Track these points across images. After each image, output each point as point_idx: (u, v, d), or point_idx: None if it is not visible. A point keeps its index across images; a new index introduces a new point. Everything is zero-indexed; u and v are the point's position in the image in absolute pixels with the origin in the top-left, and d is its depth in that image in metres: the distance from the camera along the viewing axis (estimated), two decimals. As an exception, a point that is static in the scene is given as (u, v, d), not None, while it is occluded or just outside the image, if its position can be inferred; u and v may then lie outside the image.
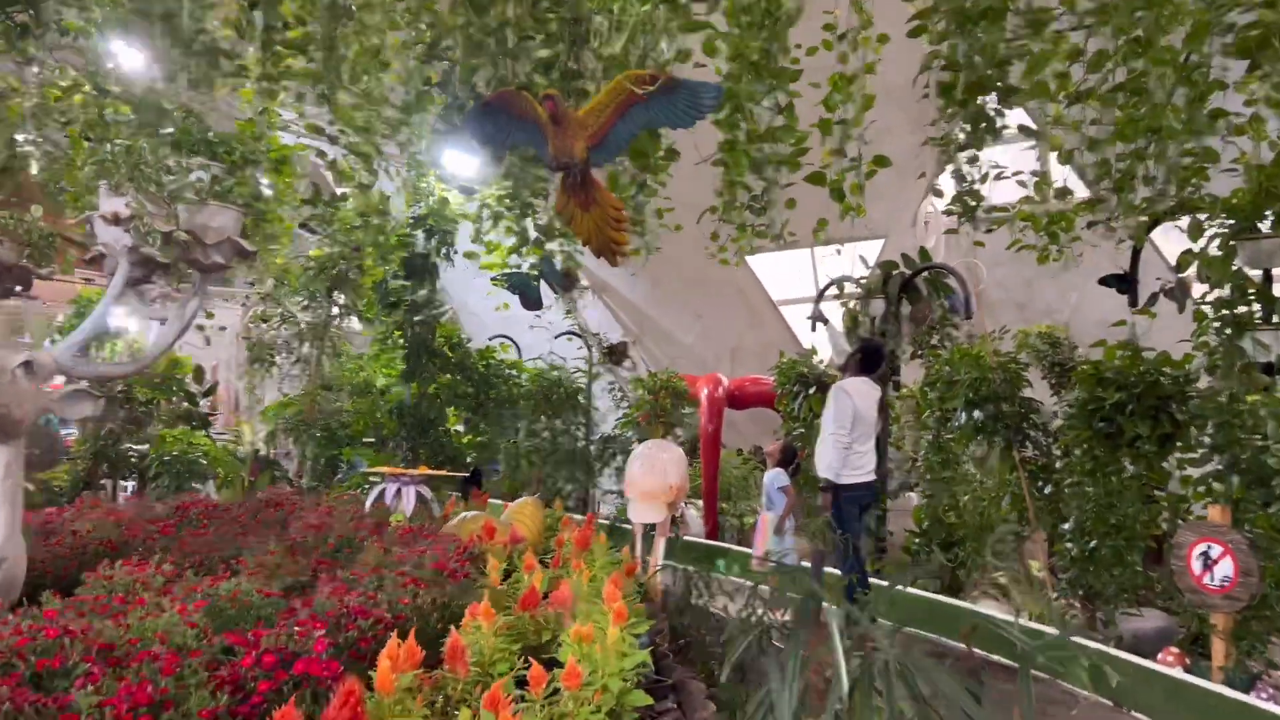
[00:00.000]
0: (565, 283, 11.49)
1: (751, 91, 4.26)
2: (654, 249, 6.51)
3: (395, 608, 3.38)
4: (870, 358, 6.59)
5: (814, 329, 10.18)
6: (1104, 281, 5.98)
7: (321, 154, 5.84)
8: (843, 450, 5.92)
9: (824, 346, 9.72)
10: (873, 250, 11.90)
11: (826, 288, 9.51)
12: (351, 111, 4.87)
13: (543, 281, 11.43)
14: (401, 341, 7.13)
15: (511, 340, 13.51)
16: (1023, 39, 4.48)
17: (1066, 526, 6.01)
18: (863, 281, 8.82)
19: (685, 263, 12.27)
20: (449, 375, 7.30)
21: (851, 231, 11.53)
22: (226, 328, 10.21)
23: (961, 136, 5.28)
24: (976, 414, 6.86)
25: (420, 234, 7.22)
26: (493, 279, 11.18)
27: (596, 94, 3.57)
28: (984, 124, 5.00)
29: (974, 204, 5.52)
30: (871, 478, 6.11)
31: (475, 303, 14.43)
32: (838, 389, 6.17)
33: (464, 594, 3.74)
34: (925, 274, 8.68)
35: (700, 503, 10.77)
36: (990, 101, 4.96)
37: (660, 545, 5.80)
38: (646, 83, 3.40)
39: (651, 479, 5.62)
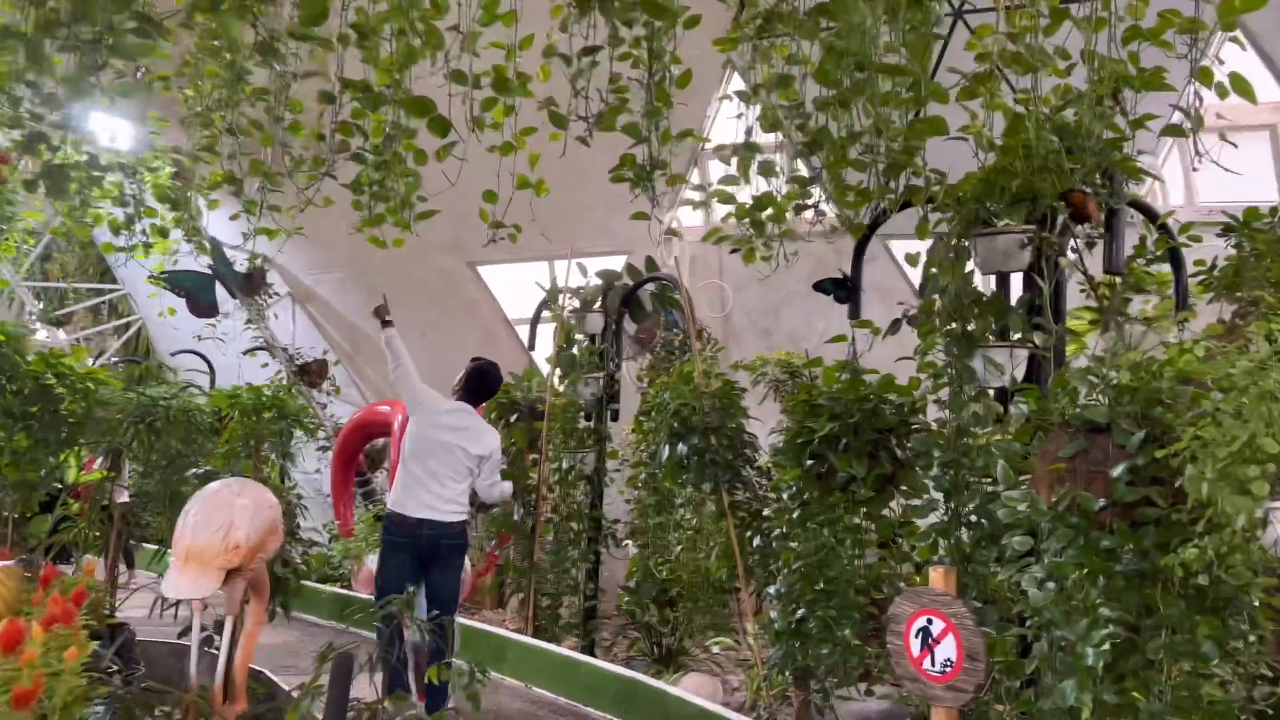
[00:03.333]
0: (247, 285, 9.62)
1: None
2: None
3: None
4: (470, 381, 5.50)
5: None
6: (819, 287, 4.90)
7: None
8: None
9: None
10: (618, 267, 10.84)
11: (543, 303, 8.21)
12: None
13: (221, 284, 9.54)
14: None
15: (202, 357, 11.43)
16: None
17: (772, 590, 4.83)
18: (580, 293, 7.55)
19: (405, 270, 10.70)
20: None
21: (594, 244, 10.30)
22: None
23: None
24: (681, 447, 5.64)
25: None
26: (151, 277, 9.16)
27: None
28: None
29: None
30: (434, 515, 5.10)
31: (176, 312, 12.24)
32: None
33: None
34: (651, 287, 7.51)
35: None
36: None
37: (241, 644, 4.17)
38: None
39: (205, 533, 3.95)
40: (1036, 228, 4.09)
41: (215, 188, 5.56)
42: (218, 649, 4.24)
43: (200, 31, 4.00)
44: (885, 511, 4.74)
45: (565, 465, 7.27)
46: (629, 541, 7.49)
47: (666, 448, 5.75)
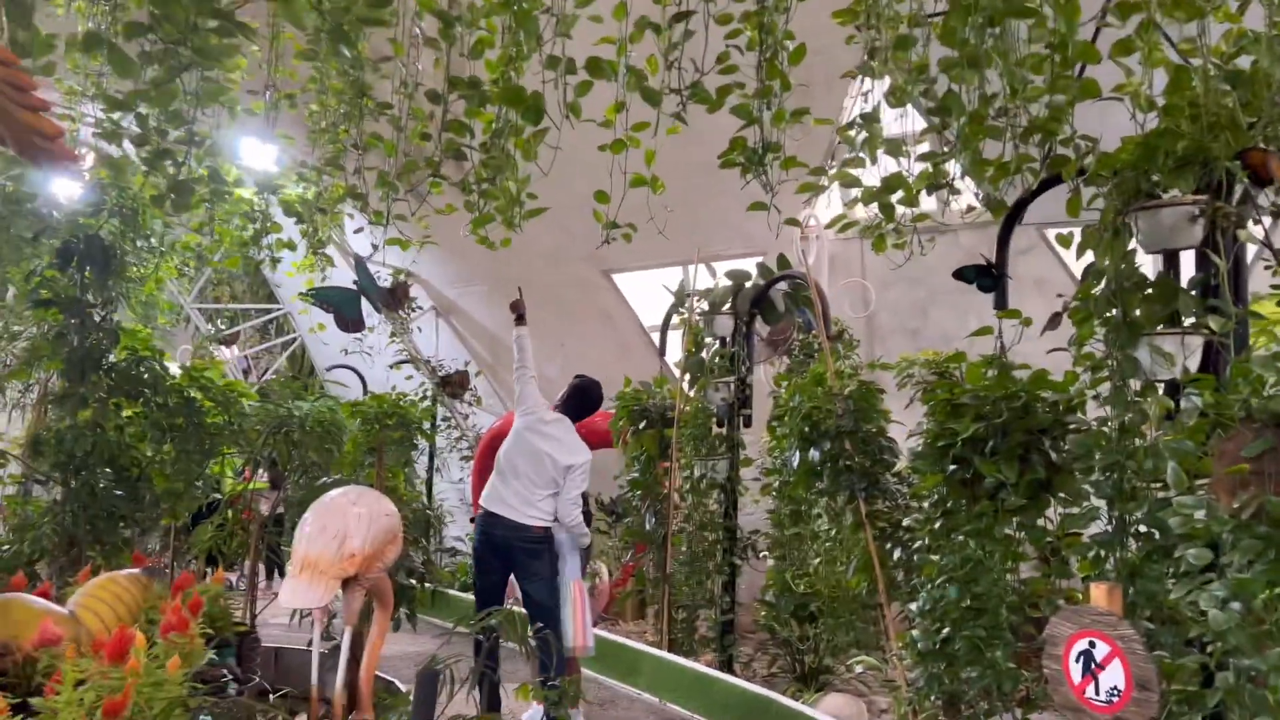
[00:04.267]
0: (390, 300, 9.85)
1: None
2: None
3: None
4: (572, 398, 5.68)
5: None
6: (959, 275, 4.48)
7: None
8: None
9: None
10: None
11: (673, 307, 8.01)
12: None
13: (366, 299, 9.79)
14: (59, 354, 5.38)
15: (354, 370, 11.81)
16: None
17: (914, 606, 4.43)
18: (708, 294, 7.30)
19: (543, 280, 10.74)
20: (138, 400, 5.53)
21: (728, 246, 10.03)
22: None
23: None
24: (813, 453, 5.29)
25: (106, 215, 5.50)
26: (300, 294, 9.51)
27: None
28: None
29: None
30: (512, 515, 5.21)
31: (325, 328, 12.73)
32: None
33: None
34: (784, 286, 7.18)
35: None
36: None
37: (365, 653, 4.13)
38: None
39: (320, 542, 3.93)
40: (1209, 197, 3.56)
41: (340, 201, 5.66)
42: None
43: (316, 46, 4.03)
44: (1040, 521, 4.26)
45: (697, 473, 7.02)
46: (766, 553, 7.17)
47: (797, 454, 5.42)
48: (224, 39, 2.85)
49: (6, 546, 5.23)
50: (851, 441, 5.25)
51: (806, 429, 5.36)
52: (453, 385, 10.28)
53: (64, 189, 6.28)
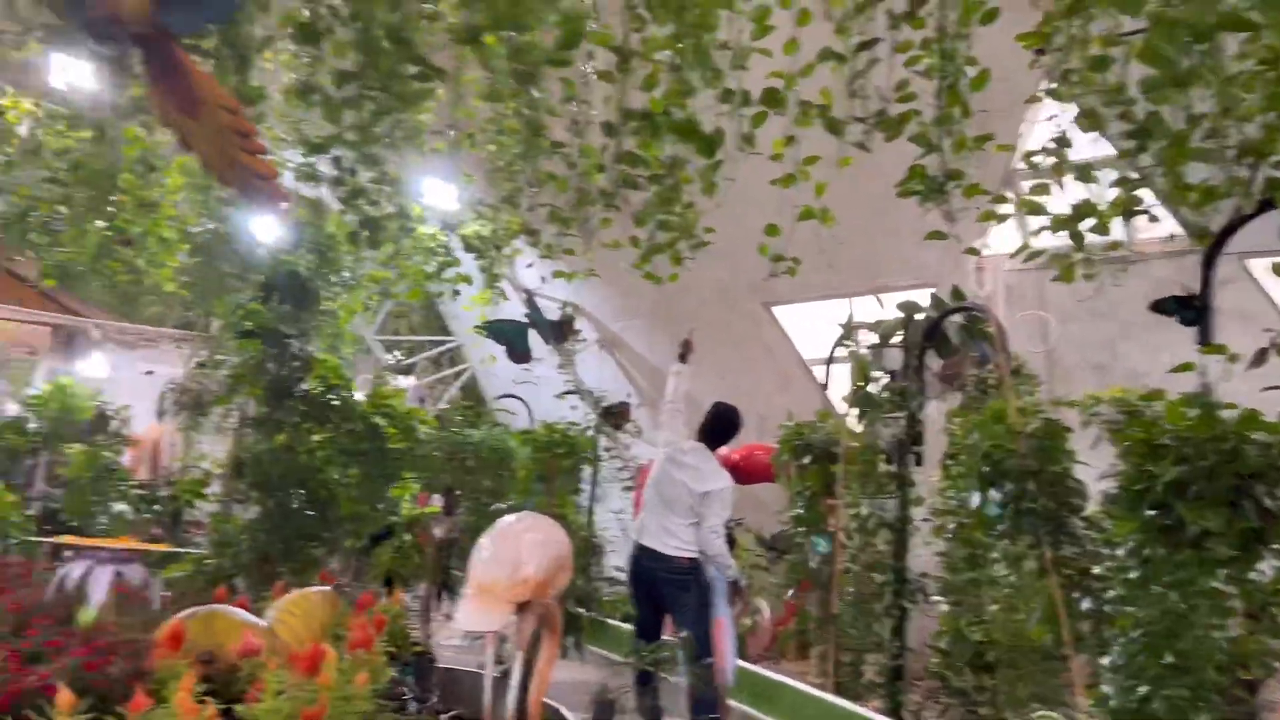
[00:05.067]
0: (558, 333, 10.10)
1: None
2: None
3: None
4: (708, 424, 5.65)
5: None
6: (1158, 307, 4.18)
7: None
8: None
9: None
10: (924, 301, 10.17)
11: (840, 339, 7.85)
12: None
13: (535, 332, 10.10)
14: (259, 381, 5.77)
15: (521, 400, 12.17)
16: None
17: (1106, 661, 4.12)
18: (876, 328, 7.12)
19: (705, 315, 10.78)
20: (326, 425, 5.86)
21: (896, 278, 9.81)
22: (154, 372, 9.18)
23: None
24: (993, 494, 5.04)
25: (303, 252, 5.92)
26: (475, 327, 9.90)
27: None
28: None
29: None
30: (655, 545, 5.28)
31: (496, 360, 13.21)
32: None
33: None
34: (958, 318, 6.92)
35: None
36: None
37: (534, 679, 4.19)
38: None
39: (495, 567, 4.02)
40: None
41: (515, 237, 5.87)
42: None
43: (480, 83, 4.20)
44: (1251, 574, 3.90)
45: (865, 511, 6.81)
46: (938, 597, 6.86)
47: (976, 495, 5.18)
48: (421, 84, 3.02)
49: (209, 561, 5.63)
50: (1036, 483, 4.97)
51: (985, 469, 5.11)
52: (615, 417, 10.38)
53: (264, 229, 6.79)
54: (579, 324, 11.04)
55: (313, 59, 3.06)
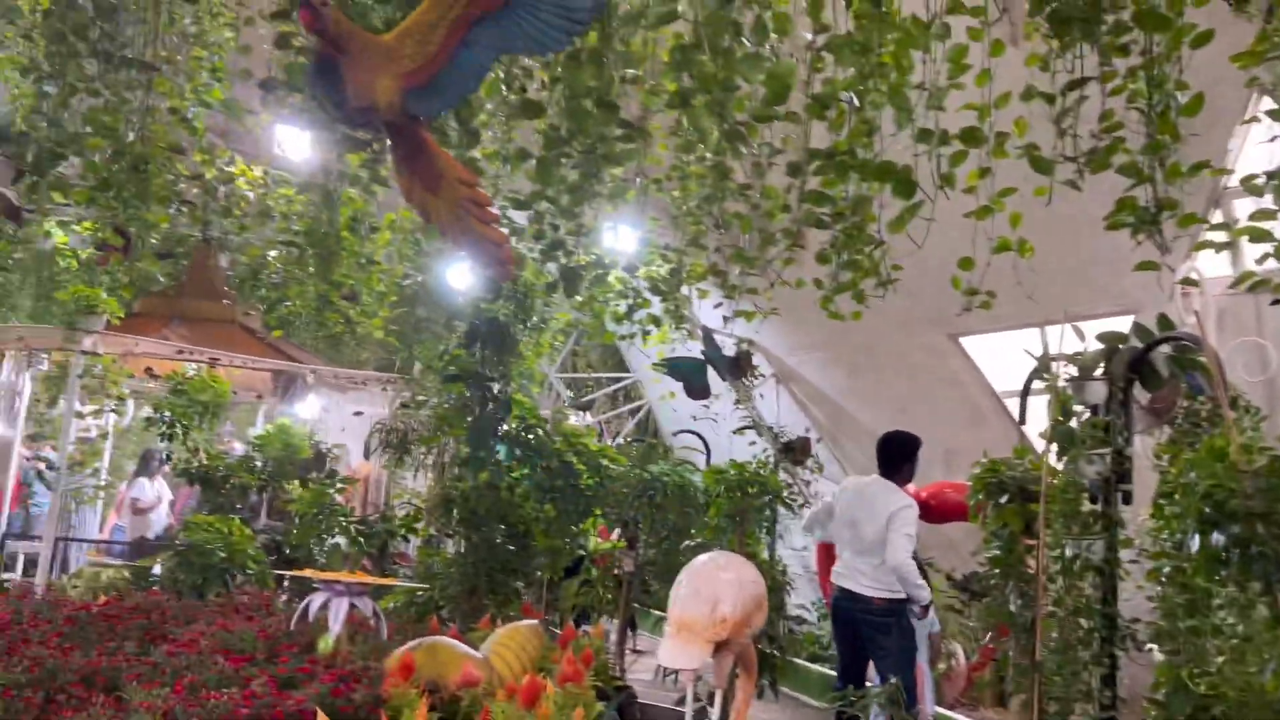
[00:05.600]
0: (735, 369, 10.16)
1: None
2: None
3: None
4: (885, 454, 5.81)
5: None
6: None
7: None
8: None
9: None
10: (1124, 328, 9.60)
11: (1035, 372, 7.54)
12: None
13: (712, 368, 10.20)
14: (462, 423, 6.11)
15: (699, 436, 12.29)
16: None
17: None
18: (1076, 359, 6.80)
19: (886, 346, 10.60)
20: (524, 462, 6.15)
21: (1092, 305, 9.40)
22: (362, 413, 9.82)
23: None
24: (1216, 536, 4.70)
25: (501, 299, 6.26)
26: (654, 365, 10.11)
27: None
28: None
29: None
30: (851, 585, 5.29)
31: (675, 396, 13.40)
32: None
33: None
34: (1166, 348, 6.53)
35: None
36: None
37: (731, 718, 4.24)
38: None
39: (694, 605, 4.10)
40: None
41: (701, 279, 5.99)
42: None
43: (682, 137, 4.35)
44: None
45: (1069, 553, 6.48)
46: (1153, 646, 6.43)
47: (1196, 537, 4.85)
48: (625, 144, 3.19)
49: (420, 594, 5.99)
50: (1265, 525, 4.61)
51: (1206, 509, 4.79)
52: (795, 452, 10.32)
53: (461, 278, 7.22)
54: (755, 359, 11.08)
55: (526, 126, 3.30)
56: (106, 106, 4.03)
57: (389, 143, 2.50)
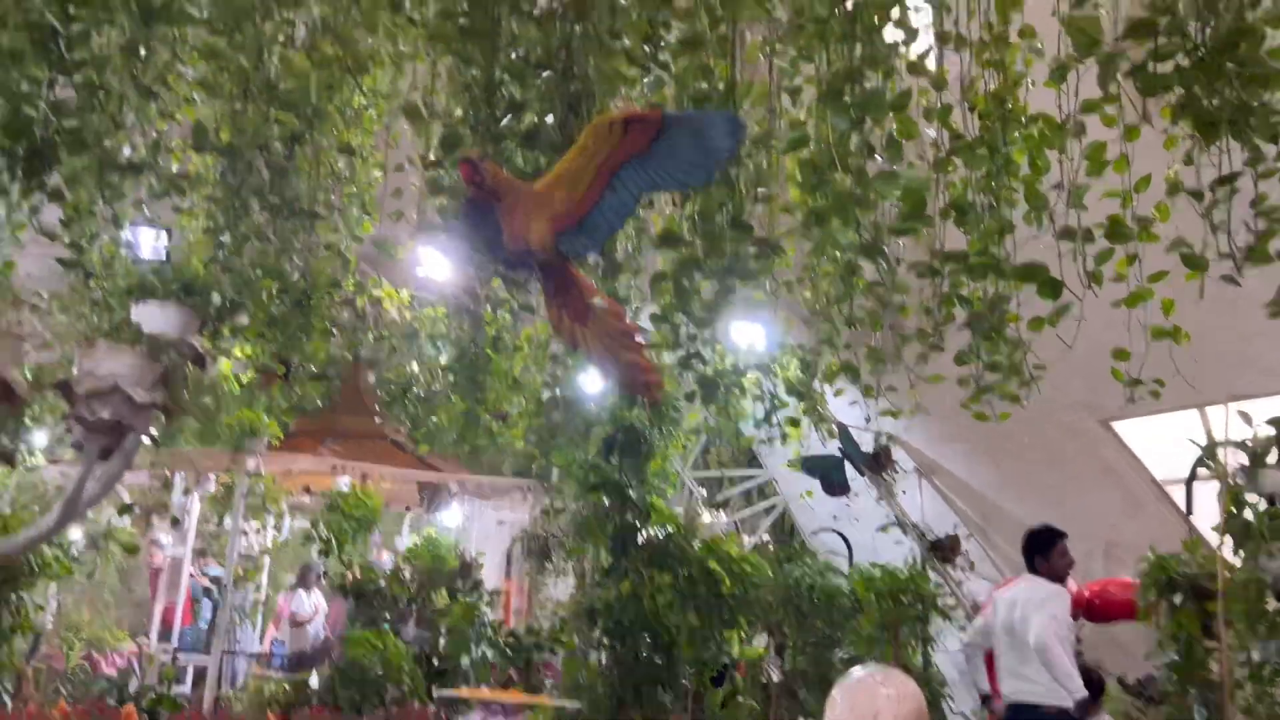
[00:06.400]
0: (874, 464, 9.96)
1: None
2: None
3: None
4: (1028, 550, 5.56)
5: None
6: None
7: None
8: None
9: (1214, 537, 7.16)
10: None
11: (1201, 460, 7.11)
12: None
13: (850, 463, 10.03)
14: (604, 531, 6.16)
15: (841, 535, 12.00)
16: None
17: None
18: (1247, 446, 6.39)
19: (1033, 434, 10.19)
20: (665, 572, 6.13)
21: (1257, 385, 8.89)
22: (504, 522, 10.01)
23: None
24: None
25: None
26: (789, 463, 10.01)
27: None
28: None
29: None
30: (1010, 695, 5.14)
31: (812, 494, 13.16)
32: None
33: None
34: (1348, 431, 6.08)
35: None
36: None
37: None
38: (643, 125, 2.33)
39: (851, 721, 3.95)
40: None
41: (836, 377, 5.94)
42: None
43: (812, 241, 4.39)
44: None
45: (1256, 657, 5.98)
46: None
47: (1407, 640, 4.41)
48: (760, 261, 3.26)
49: (567, 708, 5.98)
50: None
51: None
52: (943, 550, 9.98)
53: (595, 386, 7.37)
54: (894, 453, 10.83)
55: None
56: (274, 252, 4.40)
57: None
